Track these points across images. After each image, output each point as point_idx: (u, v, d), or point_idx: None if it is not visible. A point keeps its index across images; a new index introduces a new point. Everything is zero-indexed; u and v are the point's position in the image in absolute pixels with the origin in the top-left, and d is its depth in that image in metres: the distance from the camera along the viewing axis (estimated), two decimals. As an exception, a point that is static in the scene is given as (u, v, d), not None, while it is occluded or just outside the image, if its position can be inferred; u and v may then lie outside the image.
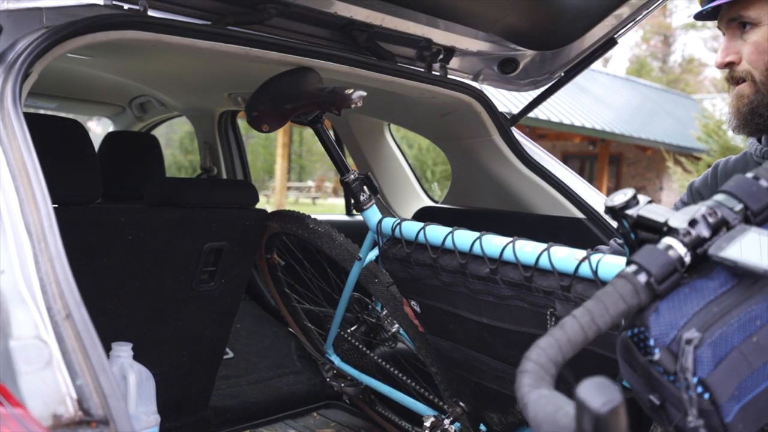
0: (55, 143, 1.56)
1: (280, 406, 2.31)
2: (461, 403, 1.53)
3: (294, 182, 21.08)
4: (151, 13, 1.34)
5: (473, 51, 1.92)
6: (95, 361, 0.72)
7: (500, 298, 1.21)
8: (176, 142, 18.00)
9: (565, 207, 1.95)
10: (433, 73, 1.88)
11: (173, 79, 2.63)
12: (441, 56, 1.89)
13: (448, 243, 1.28)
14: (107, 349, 1.56)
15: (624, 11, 1.78)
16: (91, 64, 2.42)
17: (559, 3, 1.80)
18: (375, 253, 1.58)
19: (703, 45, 33.01)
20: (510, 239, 1.19)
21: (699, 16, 1.27)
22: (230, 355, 2.51)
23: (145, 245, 1.70)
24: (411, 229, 1.39)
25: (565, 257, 1.11)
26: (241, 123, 3.63)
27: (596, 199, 1.96)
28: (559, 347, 0.55)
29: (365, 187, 1.59)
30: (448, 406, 1.60)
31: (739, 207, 0.64)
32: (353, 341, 1.89)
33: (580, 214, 1.92)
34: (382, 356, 1.88)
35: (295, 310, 2.14)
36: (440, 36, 1.80)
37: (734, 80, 1.19)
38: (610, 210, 0.70)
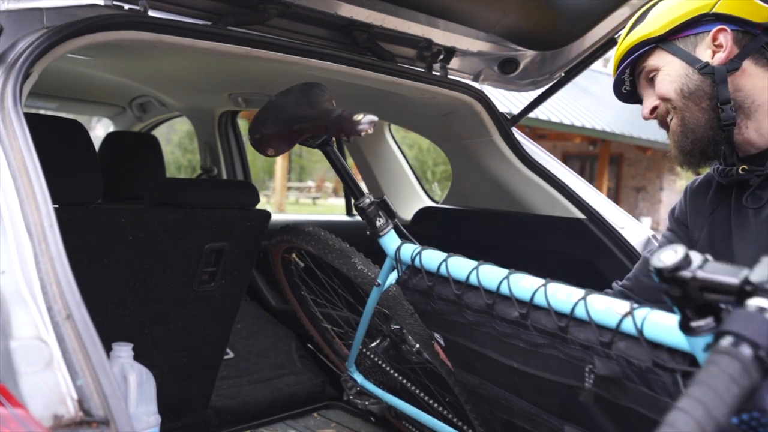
0: (56, 143, 1.56)
1: (281, 407, 2.31)
2: None
3: (294, 182, 21.10)
4: (151, 13, 1.34)
5: (473, 51, 1.92)
6: (96, 362, 0.72)
7: (532, 345, 1.10)
8: (175, 141, 18.00)
9: (565, 207, 1.95)
10: (434, 73, 1.87)
11: (173, 80, 2.63)
12: (441, 56, 1.89)
13: (473, 279, 1.18)
14: (108, 350, 1.56)
15: (624, 11, 1.78)
16: (91, 64, 2.42)
17: (559, 3, 1.80)
18: (394, 275, 1.47)
19: (703, 45, 32.90)
20: (542, 282, 1.08)
21: (621, 97, 1.36)
22: (231, 355, 2.51)
23: (145, 246, 1.70)
24: (432, 259, 1.28)
25: (604, 310, 0.99)
26: (242, 123, 3.63)
27: (596, 200, 1.96)
28: None
29: (381, 212, 1.48)
30: None
31: None
32: (378, 360, 1.77)
33: (580, 215, 1.92)
34: (410, 381, 1.77)
35: (311, 313, 2.06)
36: (440, 36, 1.80)
37: (663, 122, 1.27)
38: (659, 272, 0.63)
